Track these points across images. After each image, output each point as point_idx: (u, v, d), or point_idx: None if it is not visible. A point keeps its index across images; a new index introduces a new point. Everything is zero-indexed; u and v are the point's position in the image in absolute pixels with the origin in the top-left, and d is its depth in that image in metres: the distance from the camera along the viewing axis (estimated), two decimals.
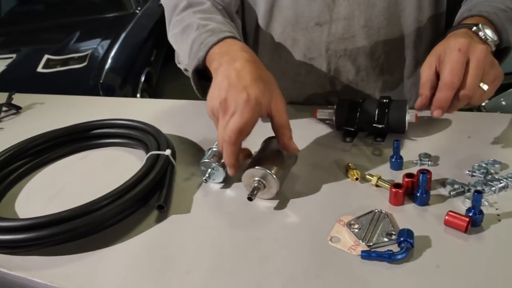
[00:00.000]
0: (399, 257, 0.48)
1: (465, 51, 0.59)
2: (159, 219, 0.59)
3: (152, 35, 3.21)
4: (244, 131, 0.55)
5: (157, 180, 0.63)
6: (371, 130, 0.73)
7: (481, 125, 0.73)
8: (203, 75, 0.69)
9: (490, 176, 0.59)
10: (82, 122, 0.80)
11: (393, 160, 0.64)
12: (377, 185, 0.60)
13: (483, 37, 0.63)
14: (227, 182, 0.66)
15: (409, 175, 0.58)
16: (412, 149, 0.68)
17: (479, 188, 0.56)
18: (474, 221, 0.51)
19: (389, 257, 0.48)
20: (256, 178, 0.59)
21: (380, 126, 0.70)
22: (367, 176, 0.62)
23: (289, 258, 0.50)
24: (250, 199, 0.58)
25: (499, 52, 0.68)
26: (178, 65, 0.83)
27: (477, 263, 0.47)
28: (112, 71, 2.56)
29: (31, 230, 0.53)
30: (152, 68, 3.11)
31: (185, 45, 0.71)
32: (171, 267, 0.51)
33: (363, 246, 0.51)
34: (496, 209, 0.54)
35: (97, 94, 2.38)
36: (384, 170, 0.64)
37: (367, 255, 0.49)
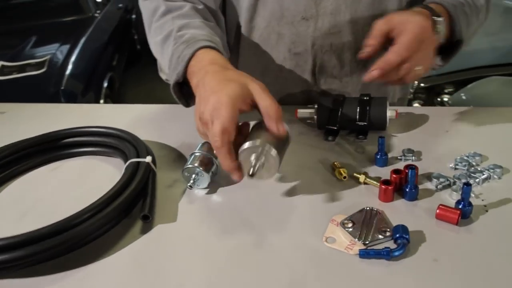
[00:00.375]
0: (396, 253, 0.48)
1: (424, 33, 0.64)
2: (145, 230, 0.57)
3: (113, 38, 3.11)
4: (226, 130, 0.54)
5: (139, 189, 0.60)
6: (353, 128, 0.73)
7: (457, 119, 0.75)
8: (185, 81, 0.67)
9: (473, 168, 0.60)
10: (52, 131, 0.75)
11: (378, 157, 0.64)
12: (365, 183, 0.60)
13: (437, 29, 0.66)
14: (211, 187, 0.64)
15: (396, 171, 0.58)
16: (394, 145, 0.69)
17: (464, 180, 0.57)
18: (464, 213, 0.52)
19: (387, 254, 0.47)
20: (253, 156, 0.55)
21: (362, 123, 0.70)
22: (354, 174, 0.61)
23: (286, 262, 0.49)
24: (253, 175, 0.54)
25: (451, 45, 0.71)
26: (160, 75, 0.81)
27: (471, 254, 0.48)
28: (74, 77, 2.46)
29: (5, 252, 0.49)
30: (114, 73, 3.02)
31: (165, 56, 0.71)
32: (163, 281, 0.48)
33: (359, 245, 0.50)
34: (482, 200, 0.55)
35: (58, 101, 2.28)
36: (370, 167, 0.64)
37: (365, 253, 0.48)
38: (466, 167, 0.61)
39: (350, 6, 0.77)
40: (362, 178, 0.60)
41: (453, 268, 0.46)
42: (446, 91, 1.96)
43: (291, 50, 0.82)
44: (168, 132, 0.80)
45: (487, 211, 0.53)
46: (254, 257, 0.50)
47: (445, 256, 0.48)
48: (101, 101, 2.67)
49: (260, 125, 0.59)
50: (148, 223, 0.57)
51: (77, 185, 0.68)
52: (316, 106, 0.74)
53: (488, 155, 0.63)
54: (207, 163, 0.62)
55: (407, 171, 0.58)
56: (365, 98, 0.71)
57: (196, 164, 0.62)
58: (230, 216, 0.58)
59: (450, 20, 0.69)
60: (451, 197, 0.56)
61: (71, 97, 2.36)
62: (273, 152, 0.55)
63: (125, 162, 0.66)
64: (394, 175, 0.58)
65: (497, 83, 1.55)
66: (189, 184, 0.62)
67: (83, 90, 2.48)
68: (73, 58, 2.56)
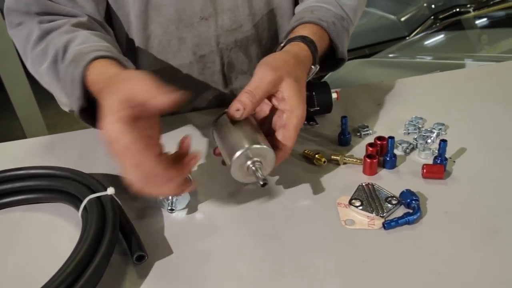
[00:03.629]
0: (416, 216, 0.50)
1: (302, 121, 0.54)
2: (143, 274, 0.47)
3: None
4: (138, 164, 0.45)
5: (118, 227, 0.49)
6: None
7: (379, 93, 0.82)
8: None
9: (423, 129, 0.67)
10: None
11: (342, 136, 0.66)
12: (344, 163, 0.62)
13: (308, 75, 0.61)
14: (190, 206, 0.56)
15: (371, 145, 0.61)
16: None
17: (421, 141, 0.64)
18: (444, 167, 0.58)
19: (410, 219, 0.49)
20: (249, 162, 0.50)
21: (313, 109, 0.71)
22: (332, 157, 0.62)
23: (321, 257, 0.47)
24: (265, 184, 0.48)
25: (334, 61, 0.71)
26: (62, 108, 0.68)
27: (467, 200, 0.53)
28: None
29: None
30: None
31: (59, 84, 0.61)
32: None
33: (378, 219, 0.51)
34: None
35: None
36: (335, 148, 0.66)
37: (389, 225, 0.49)
38: (416, 130, 0.67)
39: (247, 0, 0.77)
40: (341, 159, 0.62)
41: (459, 215, 0.51)
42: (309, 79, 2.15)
43: (196, 53, 0.79)
44: (96, 161, 0.67)
45: (454, 161, 0.60)
46: (280, 263, 0.47)
47: (448, 207, 0.52)
48: None
49: (223, 123, 0.54)
50: (142, 264, 0.48)
51: (19, 248, 0.53)
52: None
53: (426, 117, 0.71)
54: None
55: (380, 142, 0.62)
56: (307, 84, 0.72)
57: None
58: (230, 231, 0.52)
59: (330, 39, 0.66)
60: (420, 157, 0.62)
61: None
62: (269, 147, 0.51)
63: (74, 204, 0.54)
64: (371, 148, 0.61)
65: (353, 65, 1.77)
66: (169, 208, 0.54)
67: None
68: None
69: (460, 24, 2.18)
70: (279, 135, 0.54)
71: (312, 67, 0.61)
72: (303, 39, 0.61)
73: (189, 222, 0.54)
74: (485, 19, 2.21)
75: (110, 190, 0.53)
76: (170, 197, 0.54)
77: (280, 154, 0.53)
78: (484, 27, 2.17)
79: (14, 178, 0.58)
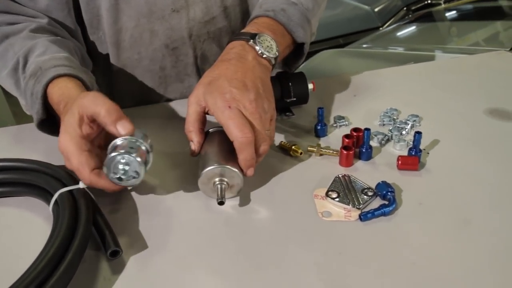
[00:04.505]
0: (391, 208, 0.51)
1: (236, 106, 0.52)
2: (117, 269, 0.46)
3: None
4: (80, 170, 0.49)
5: (91, 222, 0.48)
6: (278, 107, 0.73)
7: (353, 84, 0.83)
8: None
9: (398, 121, 0.68)
10: None
11: (319, 127, 0.66)
12: (320, 154, 0.62)
13: (259, 52, 0.59)
14: (165, 199, 0.55)
15: (348, 136, 0.61)
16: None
17: (396, 133, 0.64)
18: (419, 159, 0.59)
19: (386, 211, 0.50)
20: (217, 179, 0.52)
21: (289, 100, 0.71)
22: (309, 148, 0.62)
23: (298, 249, 0.47)
24: (221, 203, 0.51)
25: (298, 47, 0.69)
26: (24, 110, 0.67)
27: (441, 191, 0.54)
28: None
29: None
30: None
31: (20, 93, 0.64)
32: None
33: (354, 211, 0.51)
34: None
35: None
36: (311, 139, 0.66)
37: (366, 216, 0.50)
38: (391, 122, 0.68)
39: None
40: (317, 150, 0.62)
41: (433, 204, 0.52)
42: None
43: (169, 45, 0.77)
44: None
45: (428, 153, 0.61)
46: (260, 256, 0.46)
47: (422, 198, 0.53)
48: None
49: (212, 137, 0.57)
50: (117, 259, 0.47)
51: None
52: None
53: (401, 108, 0.72)
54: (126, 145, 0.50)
55: (356, 134, 0.62)
56: (283, 76, 0.72)
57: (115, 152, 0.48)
58: (207, 223, 0.51)
59: (284, 28, 0.65)
60: (395, 149, 0.63)
61: None
62: (239, 172, 0.52)
63: (45, 198, 0.52)
64: (347, 140, 0.61)
65: (327, 55, 1.78)
66: (116, 177, 0.49)
67: None
68: None
69: (431, 16, 2.22)
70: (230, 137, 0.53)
71: (252, 40, 0.59)
72: (239, 35, 0.62)
73: (163, 216, 0.53)
74: (454, 11, 2.26)
75: (82, 184, 0.51)
76: (120, 166, 0.49)
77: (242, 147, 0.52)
78: (454, 19, 2.22)
79: None
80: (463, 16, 2.25)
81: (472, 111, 0.71)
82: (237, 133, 0.51)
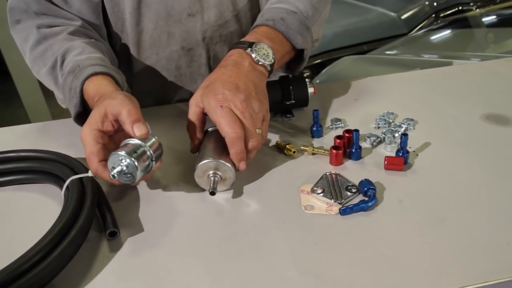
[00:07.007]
0: (370, 204, 0.54)
1: (227, 106, 0.57)
2: (115, 248, 0.51)
3: None
4: (90, 158, 0.56)
5: (96, 205, 0.54)
6: (278, 109, 0.77)
7: (357, 89, 0.85)
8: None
9: (393, 124, 0.71)
10: None
11: (315, 129, 0.70)
12: (313, 153, 0.65)
13: (255, 59, 0.63)
14: (162, 190, 0.61)
15: (339, 137, 0.65)
16: (319, 117, 0.76)
17: (389, 135, 0.67)
18: (405, 160, 0.61)
19: (365, 206, 0.53)
20: (211, 172, 0.57)
21: (289, 102, 0.75)
22: (302, 147, 0.66)
23: (277, 238, 0.51)
24: (213, 193, 0.55)
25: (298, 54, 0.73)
26: (61, 105, 0.77)
27: (423, 188, 0.57)
28: None
29: None
30: None
31: (58, 88, 0.71)
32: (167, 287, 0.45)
33: (336, 205, 0.55)
34: (410, 147, 0.65)
35: None
36: (308, 139, 0.70)
37: (345, 211, 0.53)
38: (386, 125, 0.71)
39: None
40: (310, 149, 0.65)
41: (414, 204, 0.55)
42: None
43: (184, 47, 0.83)
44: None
45: (417, 155, 0.64)
46: (243, 244, 0.51)
47: (404, 196, 0.56)
48: None
49: (211, 134, 0.62)
50: (115, 239, 0.52)
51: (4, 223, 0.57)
52: None
53: (398, 112, 0.74)
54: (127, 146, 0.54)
55: (347, 135, 0.65)
56: (285, 79, 0.76)
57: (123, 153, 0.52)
58: (200, 212, 0.56)
59: (283, 36, 0.69)
60: (386, 150, 0.65)
61: None
62: (232, 167, 0.57)
63: (59, 184, 0.59)
64: (338, 140, 0.64)
65: (348, 61, 1.80)
66: (112, 173, 0.53)
67: None
68: None
69: (462, 21, 2.19)
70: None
71: (249, 48, 0.63)
72: (238, 43, 0.66)
73: (162, 204, 0.58)
74: (494, 17, 2.21)
75: (91, 173, 0.57)
76: (119, 166, 0.53)
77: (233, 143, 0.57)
78: (490, 25, 2.16)
79: (5, 160, 0.62)
80: (501, 22, 2.19)
81: (468, 116, 0.72)
82: (227, 129, 0.56)
